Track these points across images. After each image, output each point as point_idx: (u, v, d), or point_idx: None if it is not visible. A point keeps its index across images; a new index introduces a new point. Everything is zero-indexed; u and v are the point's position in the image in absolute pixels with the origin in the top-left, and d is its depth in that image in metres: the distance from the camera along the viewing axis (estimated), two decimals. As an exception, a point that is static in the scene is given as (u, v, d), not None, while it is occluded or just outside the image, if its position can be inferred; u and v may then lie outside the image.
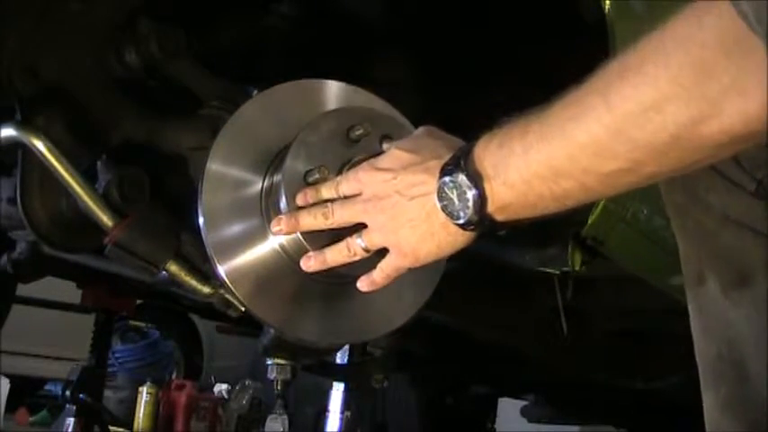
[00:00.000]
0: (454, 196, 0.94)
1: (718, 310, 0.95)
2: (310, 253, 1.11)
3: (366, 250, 1.07)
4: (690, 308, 1.00)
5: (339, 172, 1.14)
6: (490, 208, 0.92)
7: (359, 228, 1.07)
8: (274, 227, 1.13)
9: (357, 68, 1.47)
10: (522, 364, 2.83)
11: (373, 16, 1.62)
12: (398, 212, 1.01)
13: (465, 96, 1.73)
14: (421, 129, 1.10)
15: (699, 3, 0.74)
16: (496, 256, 1.73)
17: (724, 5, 0.71)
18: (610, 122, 0.79)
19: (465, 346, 2.79)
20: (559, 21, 1.50)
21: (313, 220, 1.09)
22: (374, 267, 1.08)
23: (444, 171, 0.95)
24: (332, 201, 1.09)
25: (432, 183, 0.97)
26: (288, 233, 1.13)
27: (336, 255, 1.09)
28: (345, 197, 1.08)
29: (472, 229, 0.96)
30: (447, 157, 0.97)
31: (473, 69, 1.70)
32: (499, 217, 0.93)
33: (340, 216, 1.07)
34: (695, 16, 0.73)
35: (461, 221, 0.95)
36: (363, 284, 1.10)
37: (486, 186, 0.91)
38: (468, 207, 0.93)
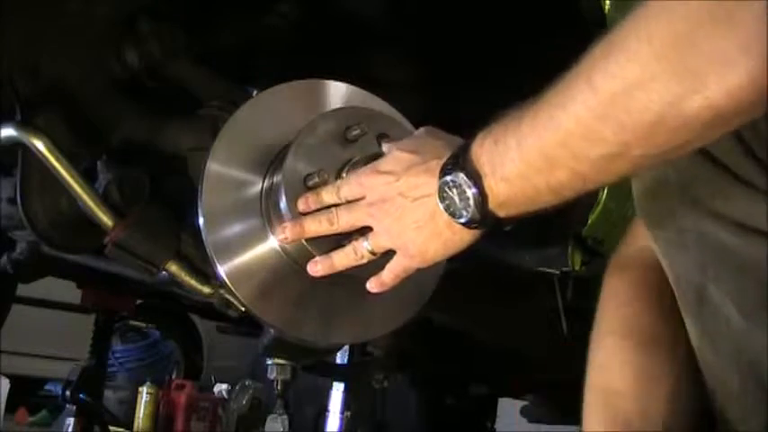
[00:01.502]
0: (455, 196, 0.94)
1: (735, 333, 0.88)
2: (317, 258, 1.11)
3: (372, 253, 1.07)
4: (690, 330, 0.94)
5: (338, 173, 1.14)
6: (491, 204, 0.92)
7: (362, 229, 1.07)
8: (279, 235, 1.14)
9: (357, 68, 1.47)
10: (522, 364, 2.83)
11: (373, 16, 1.62)
12: (403, 214, 1.01)
13: (465, 96, 1.73)
14: (421, 129, 1.10)
15: None
16: (496, 256, 1.73)
17: None
18: (595, 105, 0.78)
19: (465, 346, 2.79)
20: (559, 20, 1.50)
21: (318, 226, 1.10)
22: (380, 268, 1.08)
23: (444, 171, 0.95)
24: (335, 205, 1.09)
25: (433, 183, 0.97)
26: (293, 241, 1.13)
27: (343, 259, 1.10)
28: (348, 201, 1.08)
29: (476, 227, 0.96)
30: (447, 156, 0.97)
31: (473, 69, 1.70)
32: (501, 213, 0.93)
33: (345, 221, 1.08)
34: None
35: (464, 220, 0.94)
36: (373, 285, 1.10)
37: (485, 183, 0.91)
38: (469, 206, 0.92)
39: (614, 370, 1.04)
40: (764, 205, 0.84)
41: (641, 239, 1.07)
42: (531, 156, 0.86)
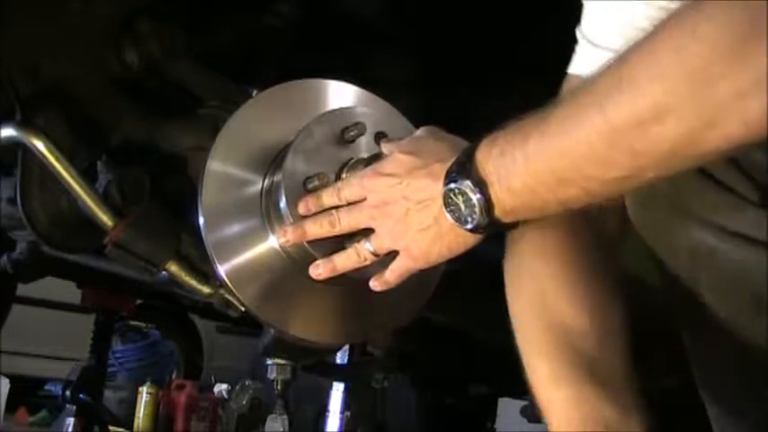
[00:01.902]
0: (460, 202, 0.94)
1: (731, 336, 0.91)
2: (318, 261, 1.11)
3: (375, 254, 1.07)
4: (686, 331, 0.97)
5: (337, 174, 1.14)
6: (497, 212, 0.91)
7: (363, 230, 1.07)
8: (280, 238, 1.14)
9: (357, 68, 1.47)
10: (522, 364, 2.83)
11: (373, 16, 1.62)
12: (407, 217, 1.01)
13: (465, 96, 1.73)
14: (422, 129, 1.10)
15: (687, 8, 0.73)
16: (496, 256, 1.73)
17: (716, 11, 0.71)
18: (608, 133, 0.78)
19: (465, 346, 2.79)
20: (558, 20, 1.50)
21: (319, 229, 1.10)
22: (382, 267, 1.08)
23: (449, 177, 0.95)
24: (335, 208, 1.09)
25: (436, 187, 0.97)
26: (295, 244, 1.13)
27: (346, 261, 1.10)
28: (348, 203, 1.08)
29: (480, 232, 0.96)
30: (450, 160, 0.96)
31: (473, 69, 1.70)
32: (506, 220, 0.93)
33: (347, 223, 1.08)
34: (688, 24, 0.73)
35: (470, 226, 0.94)
36: (376, 284, 1.10)
37: (491, 192, 0.90)
38: (474, 213, 0.92)
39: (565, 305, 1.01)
40: (744, 210, 0.87)
41: None
42: (541, 174, 0.86)
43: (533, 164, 0.86)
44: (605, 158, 0.80)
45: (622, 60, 0.78)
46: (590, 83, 0.80)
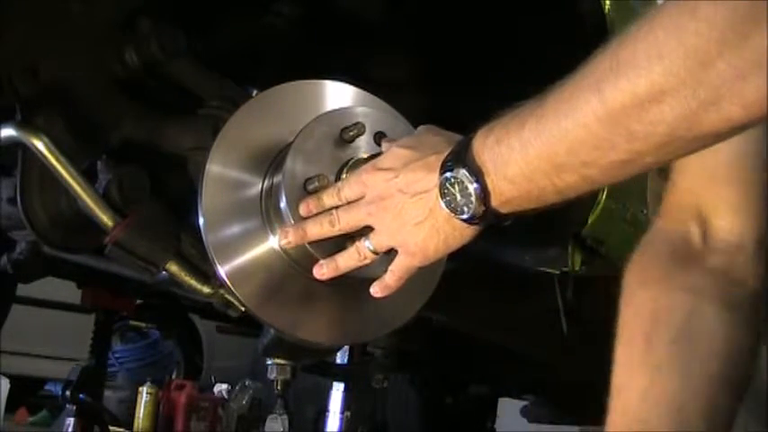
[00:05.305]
0: (456, 192, 0.93)
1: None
2: (322, 261, 1.11)
3: (375, 252, 1.06)
4: None
5: (338, 174, 1.14)
6: (493, 202, 0.91)
7: (364, 230, 1.07)
8: (282, 239, 1.14)
9: (357, 68, 1.47)
10: (522, 364, 2.83)
11: (373, 16, 1.62)
12: (402, 211, 1.00)
13: (465, 96, 1.73)
14: (421, 127, 1.10)
15: None
16: (496, 256, 1.73)
17: None
18: (606, 116, 0.77)
19: (465, 346, 2.79)
20: (560, 20, 1.50)
21: (320, 229, 1.09)
22: (384, 268, 1.08)
23: (445, 167, 0.95)
24: (336, 207, 1.09)
25: (432, 179, 0.97)
26: (296, 245, 1.13)
27: (348, 260, 1.09)
28: (349, 201, 1.08)
29: (476, 224, 0.96)
30: (446, 152, 0.96)
31: (473, 68, 1.70)
32: (503, 210, 0.92)
33: (346, 222, 1.07)
34: (688, 4, 0.72)
35: (465, 216, 0.94)
36: (377, 290, 1.09)
37: (488, 181, 0.90)
38: (471, 202, 0.92)
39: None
40: None
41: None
42: (537, 160, 0.85)
43: (529, 150, 0.85)
44: (602, 142, 0.79)
45: (620, 42, 0.77)
46: (588, 65, 0.80)
